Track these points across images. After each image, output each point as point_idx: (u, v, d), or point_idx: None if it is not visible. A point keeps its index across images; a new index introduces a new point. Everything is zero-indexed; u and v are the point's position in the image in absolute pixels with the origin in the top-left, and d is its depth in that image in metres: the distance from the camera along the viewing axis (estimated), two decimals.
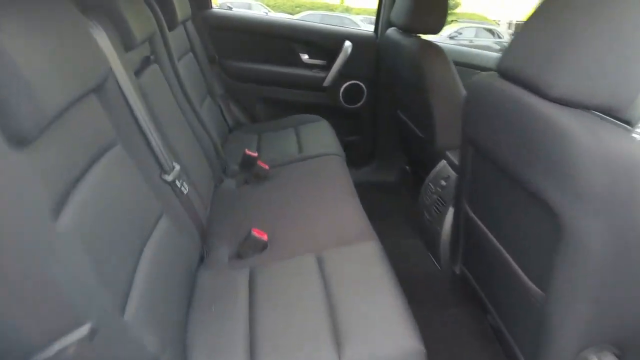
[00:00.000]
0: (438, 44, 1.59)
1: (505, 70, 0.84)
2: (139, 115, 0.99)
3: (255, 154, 1.67)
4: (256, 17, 2.10)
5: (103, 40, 0.93)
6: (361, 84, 2.22)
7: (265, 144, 1.91)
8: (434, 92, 1.55)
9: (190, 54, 1.79)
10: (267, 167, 1.57)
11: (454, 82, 1.56)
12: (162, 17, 1.43)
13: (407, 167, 2.38)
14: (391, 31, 1.83)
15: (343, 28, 2.17)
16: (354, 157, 2.40)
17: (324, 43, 2.15)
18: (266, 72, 2.17)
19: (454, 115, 1.58)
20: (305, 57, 2.20)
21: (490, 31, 10.79)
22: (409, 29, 1.63)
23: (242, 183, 1.57)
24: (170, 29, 1.50)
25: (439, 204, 1.53)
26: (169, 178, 1.04)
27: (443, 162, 1.61)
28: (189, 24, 1.82)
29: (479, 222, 1.03)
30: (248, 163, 1.66)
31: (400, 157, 2.34)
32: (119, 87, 0.95)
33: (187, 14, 1.70)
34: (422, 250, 1.71)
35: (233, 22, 2.09)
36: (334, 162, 1.67)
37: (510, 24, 11.60)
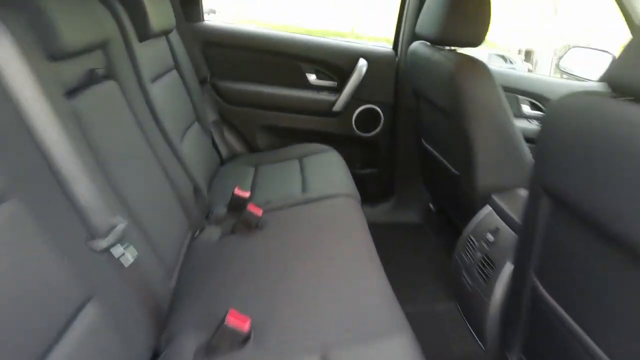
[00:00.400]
0: None
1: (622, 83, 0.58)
2: (57, 153, 0.66)
3: (247, 194, 1.33)
4: (256, 31, 1.80)
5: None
6: (377, 108, 1.89)
7: (262, 179, 1.57)
8: (475, 119, 1.21)
9: (174, 73, 1.49)
10: (259, 212, 1.23)
11: (501, 106, 1.22)
12: (128, 24, 1.12)
13: (431, 205, 2.02)
14: (418, 45, 1.51)
15: (357, 44, 1.86)
16: (369, 192, 2.06)
17: (334, 61, 1.84)
18: (267, 95, 1.86)
19: (502, 148, 1.24)
20: (312, 77, 1.88)
21: (503, 57, 10.57)
22: (443, 41, 1.31)
23: (228, 232, 1.22)
24: (142, 39, 1.19)
25: (485, 265, 1.16)
26: (102, 244, 0.70)
27: (487, 209, 1.25)
28: (174, 37, 1.52)
29: (552, 300, 0.77)
30: (237, 205, 1.32)
31: (423, 193, 1.98)
32: (18, 112, 0.62)
33: (170, 24, 1.40)
34: (459, 320, 1.32)
35: (229, 36, 1.80)
36: (346, 207, 1.32)
37: (520, 51, 11.42)
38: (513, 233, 1.12)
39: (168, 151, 1.18)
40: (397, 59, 1.85)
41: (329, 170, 1.58)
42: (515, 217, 1.13)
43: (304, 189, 1.45)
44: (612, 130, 0.58)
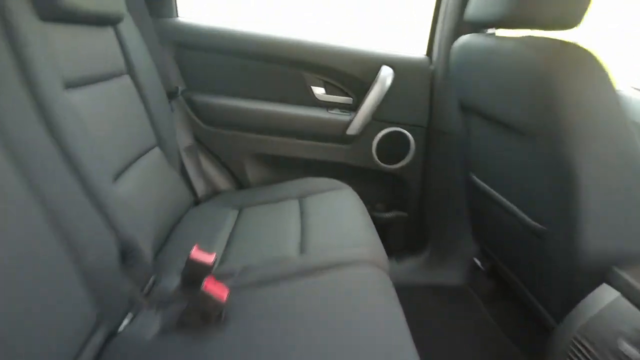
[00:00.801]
0: None
1: None
2: None
3: (210, 258, 0.86)
4: (246, 31, 1.38)
5: None
6: (406, 132, 1.42)
7: (245, 229, 1.09)
8: (584, 142, 0.73)
9: (125, 79, 1.05)
10: (223, 292, 0.74)
11: (624, 124, 0.74)
12: None
13: (477, 262, 1.49)
14: (470, 38, 1.05)
15: (377, 49, 1.41)
16: (395, 243, 1.56)
17: (349, 70, 1.39)
18: (259, 114, 1.41)
19: (628, 190, 0.74)
20: (320, 91, 1.43)
21: None
22: (518, 22, 0.83)
23: (172, 325, 0.74)
24: (47, 16, 0.76)
25: None
26: None
27: (610, 293, 0.75)
28: (129, 31, 1.09)
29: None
30: (194, 276, 0.84)
31: (468, 244, 1.48)
32: None
33: (115, 9, 0.98)
34: None
35: (210, 37, 1.37)
36: (366, 282, 0.83)
37: None
38: None
39: (75, 190, 0.72)
40: (431, 66, 1.39)
41: (341, 217, 1.09)
42: None
43: (302, 247, 0.96)
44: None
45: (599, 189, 0.74)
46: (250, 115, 1.40)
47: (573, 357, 0.75)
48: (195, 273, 0.84)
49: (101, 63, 0.94)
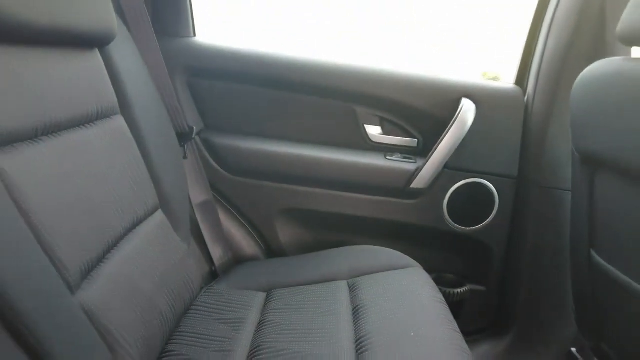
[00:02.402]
0: None
1: None
2: None
3: None
4: (280, 54, 1.07)
5: None
6: (488, 183, 1.08)
7: (271, 331, 0.76)
8: None
9: (118, 120, 0.75)
10: None
11: None
12: None
13: (575, 352, 1.11)
14: (616, 64, 0.70)
15: (455, 76, 1.08)
16: (467, 324, 1.20)
17: (415, 104, 1.06)
18: (296, 160, 1.09)
19: None
20: (376, 130, 1.11)
21: None
22: None
23: None
24: None
25: None
26: None
27: None
28: (127, 56, 0.80)
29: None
30: None
31: (565, 331, 1.11)
32: None
33: (102, 27, 0.69)
34: None
35: (234, 61, 1.07)
36: None
37: None
38: None
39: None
40: (525, 98, 1.05)
41: (414, 320, 0.75)
42: None
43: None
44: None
45: None
46: (285, 161, 1.08)
47: None
48: None
49: (76, 101, 0.64)
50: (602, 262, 0.83)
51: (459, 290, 1.18)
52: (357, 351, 0.71)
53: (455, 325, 0.80)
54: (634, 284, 0.74)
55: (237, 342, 0.74)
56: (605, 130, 0.73)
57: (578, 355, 1.11)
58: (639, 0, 0.67)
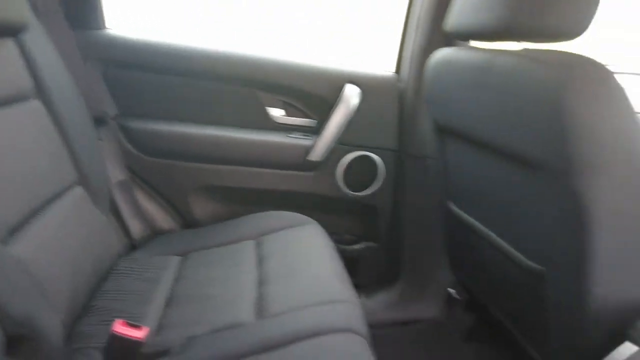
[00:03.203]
0: None
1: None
2: None
3: (140, 334, 0.67)
4: (190, 45, 1.19)
5: None
6: (374, 156, 1.28)
7: (187, 283, 0.89)
8: (603, 176, 0.61)
9: (35, 104, 0.84)
10: None
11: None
12: None
13: (452, 292, 1.37)
14: (451, 52, 0.92)
15: (342, 65, 1.27)
16: (365, 277, 1.42)
17: (310, 89, 1.23)
18: (207, 140, 1.22)
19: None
20: (278, 113, 1.27)
21: None
22: (515, 32, 0.71)
23: None
24: None
25: None
26: None
27: (636, 356, 0.62)
28: (41, 45, 0.88)
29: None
30: (118, 357, 0.64)
31: (444, 276, 1.36)
32: None
33: (14, 17, 0.77)
34: None
35: (145, 52, 1.17)
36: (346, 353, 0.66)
37: None
38: None
39: None
40: (400, 84, 1.27)
41: (307, 263, 0.93)
42: None
43: (259, 307, 0.78)
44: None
45: (617, 228, 0.63)
46: (196, 142, 1.21)
47: None
48: (121, 352, 0.65)
49: None
50: (458, 210, 1.06)
51: (355, 247, 1.39)
52: (259, 287, 0.87)
53: (341, 265, 0.97)
54: (480, 226, 0.97)
55: (156, 294, 0.86)
56: (448, 105, 0.94)
57: (454, 294, 1.37)
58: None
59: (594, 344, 0.68)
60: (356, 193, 1.31)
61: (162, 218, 1.24)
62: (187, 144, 1.21)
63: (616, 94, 0.59)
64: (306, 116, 1.27)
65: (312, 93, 1.23)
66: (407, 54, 1.24)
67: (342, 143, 1.25)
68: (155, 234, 1.20)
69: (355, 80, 1.23)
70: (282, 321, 0.73)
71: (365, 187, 1.31)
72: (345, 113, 1.20)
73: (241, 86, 1.22)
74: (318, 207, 1.29)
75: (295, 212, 1.17)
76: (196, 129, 1.21)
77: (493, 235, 0.91)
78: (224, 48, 1.21)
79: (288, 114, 1.27)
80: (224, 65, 1.19)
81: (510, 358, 1.18)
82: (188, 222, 1.26)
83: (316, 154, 1.23)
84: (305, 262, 0.93)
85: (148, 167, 1.21)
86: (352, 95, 1.20)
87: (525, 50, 0.74)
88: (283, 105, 1.25)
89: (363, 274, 1.42)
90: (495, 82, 0.73)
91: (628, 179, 0.61)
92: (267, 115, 1.25)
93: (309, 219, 1.13)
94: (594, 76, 0.59)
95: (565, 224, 0.66)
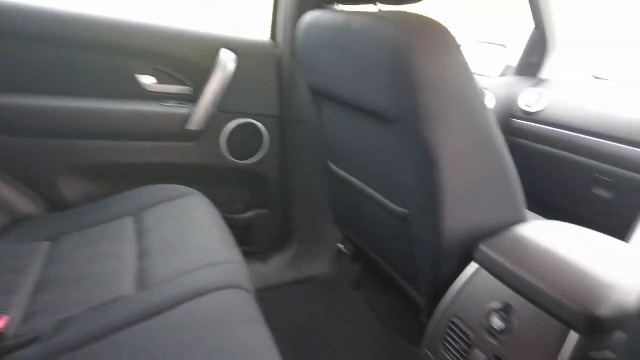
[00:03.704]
0: None
1: None
2: None
3: None
4: (46, 7, 1.05)
5: None
6: (257, 123, 1.29)
7: (58, 268, 0.83)
8: (444, 121, 0.70)
9: None
10: None
11: (480, 101, 0.73)
12: None
13: (341, 247, 1.48)
14: (318, 14, 0.95)
15: (216, 31, 1.24)
16: (258, 243, 1.45)
17: (184, 55, 1.18)
18: (72, 113, 1.11)
19: (486, 165, 0.75)
20: (149, 80, 1.20)
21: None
22: None
23: None
24: None
25: None
26: None
27: (478, 272, 0.74)
28: None
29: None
30: None
31: (332, 233, 1.44)
32: None
33: None
34: None
35: (3, 18, 1.01)
36: (230, 316, 0.68)
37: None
38: (541, 313, 0.62)
39: None
40: (277, 50, 1.28)
41: (190, 232, 0.92)
42: (538, 282, 0.63)
43: (141, 280, 0.76)
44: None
45: (458, 169, 0.73)
46: (60, 116, 1.09)
47: (450, 341, 0.73)
48: None
49: None
50: (336, 169, 1.13)
51: (246, 215, 1.40)
52: (140, 261, 0.83)
53: (229, 235, 0.98)
54: (356, 181, 1.04)
55: (23, 282, 0.78)
56: (317, 67, 0.98)
57: (343, 249, 1.46)
58: None
59: (450, 270, 0.79)
60: (242, 161, 1.31)
61: (24, 203, 1.11)
62: (50, 119, 1.09)
63: (454, 51, 0.67)
64: (181, 84, 1.22)
65: (185, 59, 1.18)
66: (281, 18, 1.25)
67: (223, 111, 1.24)
68: (19, 219, 1.07)
69: (230, 45, 1.21)
70: (164, 288, 0.72)
71: (251, 155, 1.32)
72: (222, 79, 1.18)
73: (107, 53, 1.12)
74: (203, 178, 1.27)
75: (176, 185, 1.13)
76: (59, 101, 1.09)
77: (367, 188, 1.00)
78: (84, 10, 1.10)
79: (160, 82, 1.20)
80: (88, 31, 1.09)
81: (392, 297, 1.32)
82: (56, 206, 1.15)
83: (195, 123, 1.19)
84: (189, 232, 0.91)
85: (5, 147, 1.07)
86: (228, 60, 1.18)
87: (380, 12, 0.81)
88: (154, 73, 1.19)
89: (257, 241, 1.44)
90: (351, 42, 0.79)
91: (462, 124, 0.71)
92: (138, 84, 1.17)
93: (193, 190, 1.11)
94: (436, 35, 0.67)
95: (420, 169, 0.75)
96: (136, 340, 0.61)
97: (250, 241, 1.43)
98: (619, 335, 0.58)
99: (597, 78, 1.50)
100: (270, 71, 1.27)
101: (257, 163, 1.33)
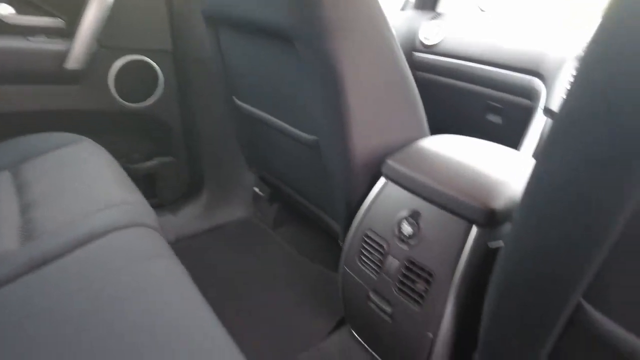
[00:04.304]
0: None
1: None
2: None
3: None
4: None
5: None
6: (149, 60, 1.17)
7: None
8: (348, 40, 0.68)
9: None
10: None
11: (382, 17, 0.72)
12: None
13: (257, 190, 1.45)
14: None
15: None
16: (166, 194, 1.36)
17: None
18: None
19: (390, 83, 0.75)
20: (4, 10, 1.01)
21: None
22: None
23: None
24: None
25: (413, 277, 0.68)
26: None
27: (387, 186, 0.77)
28: None
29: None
30: None
31: (246, 176, 1.41)
32: None
33: None
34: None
35: None
36: (134, 252, 0.63)
37: None
38: (445, 213, 0.67)
39: None
40: None
41: (79, 179, 0.81)
42: (441, 186, 0.67)
43: (26, 233, 0.66)
44: None
45: (363, 87, 0.73)
46: None
47: (366, 253, 0.76)
48: None
49: None
50: (242, 104, 1.07)
51: (147, 164, 1.29)
52: (23, 214, 0.73)
53: (128, 179, 0.89)
54: (263, 114, 0.98)
55: None
56: None
57: (258, 191, 1.43)
58: None
59: (362, 190, 0.81)
60: (135, 104, 1.18)
61: None
62: None
63: None
64: (48, 15, 1.04)
65: None
66: None
67: (106, 46, 1.09)
68: None
69: None
70: (54, 236, 0.63)
71: (146, 97, 1.20)
72: (99, 9, 1.03)
73: None
74: (94, 127, 1.14)
75: (61, 132, 0.99)
76: None
77: (275, 119, 0.96)
78: None
79: (20, 13, 1.02)
80: None
81: (311, 231, 1.34)
82: None
83: (74, 61, 1.04)
84: (79, 178, 0.81)
85: None
86: None
87: None
88: (10, 1, 0.99)
89: (164, 191, 1.35)
90: None
91: (366, 41, 0.70)
92: None
93: (81, 137, 0.98)
94: None
95: (326, 91, 0.73)
96: (24, 293, 0.54)
97: (157, 192, 1.33)
98: (508, 226, 0.64)
99: (482, 10, 1.59)
100: (159, 1, 1.14)
101: (154, 106, 1.22)
